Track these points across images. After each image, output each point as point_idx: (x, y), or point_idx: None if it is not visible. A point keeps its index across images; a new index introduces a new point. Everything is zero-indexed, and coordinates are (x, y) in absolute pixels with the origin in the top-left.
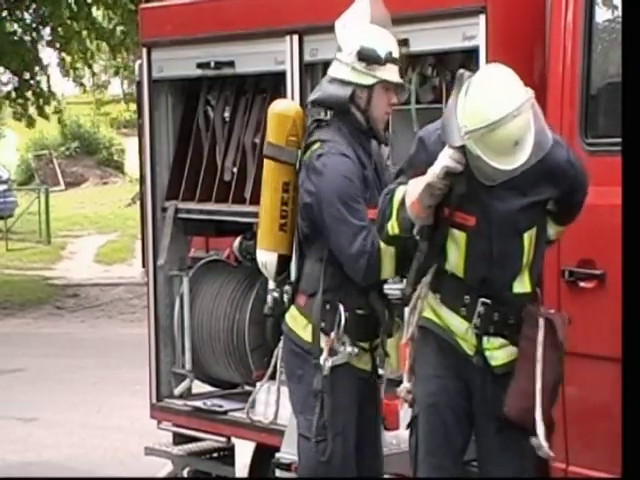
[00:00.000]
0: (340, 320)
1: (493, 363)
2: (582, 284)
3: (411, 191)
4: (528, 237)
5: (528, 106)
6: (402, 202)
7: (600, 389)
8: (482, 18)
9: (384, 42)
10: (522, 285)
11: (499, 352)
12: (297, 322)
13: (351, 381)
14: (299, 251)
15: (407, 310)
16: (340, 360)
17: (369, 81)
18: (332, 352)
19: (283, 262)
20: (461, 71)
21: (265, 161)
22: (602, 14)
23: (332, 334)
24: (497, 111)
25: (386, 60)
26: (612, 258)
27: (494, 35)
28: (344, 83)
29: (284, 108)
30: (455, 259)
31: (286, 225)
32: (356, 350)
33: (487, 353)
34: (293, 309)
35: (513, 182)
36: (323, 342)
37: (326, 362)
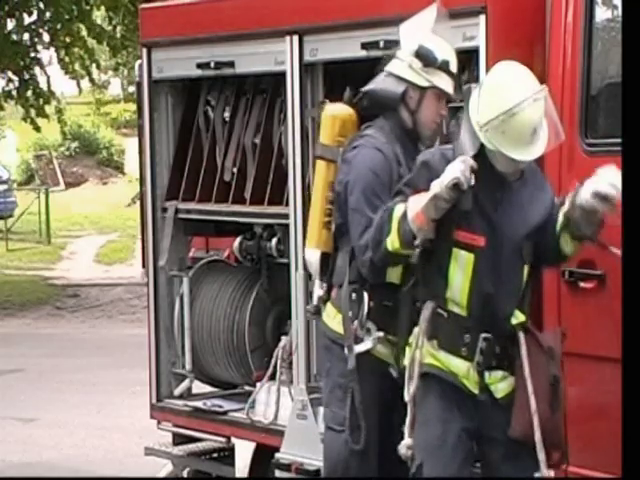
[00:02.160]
0: (363, 307)
1: (498, 396)
2: (582, 284)
3: (414, 204)
4: (527, 269)
5: (544, 94)
6: (403, 216)
7: (600, 389)
8: (482, 18)
9: (444, 50)
10: (516, 316)
11: (501, 384)
12: (329, 314)
13: (376, 374)
14: (334, 245)
15: (406, 364)
16: (365, 347)
17: (423, 83)
18: (357, 339)
19: (327, 261)
20: (467, 86)
21: (316, 162)
22: (602, 14)
23: (356, 322)
24: (516, 96)
25: (441, 65)
26: (612, 258)
27: (494, 35)
28: (399, 79)
29: (335, 111)
30: (459, 283)
31: (330, 223)
32: (380, 334)
33: (492, 388)
34: (328, 304)
35: (515, 196)
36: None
37: (352, 350)
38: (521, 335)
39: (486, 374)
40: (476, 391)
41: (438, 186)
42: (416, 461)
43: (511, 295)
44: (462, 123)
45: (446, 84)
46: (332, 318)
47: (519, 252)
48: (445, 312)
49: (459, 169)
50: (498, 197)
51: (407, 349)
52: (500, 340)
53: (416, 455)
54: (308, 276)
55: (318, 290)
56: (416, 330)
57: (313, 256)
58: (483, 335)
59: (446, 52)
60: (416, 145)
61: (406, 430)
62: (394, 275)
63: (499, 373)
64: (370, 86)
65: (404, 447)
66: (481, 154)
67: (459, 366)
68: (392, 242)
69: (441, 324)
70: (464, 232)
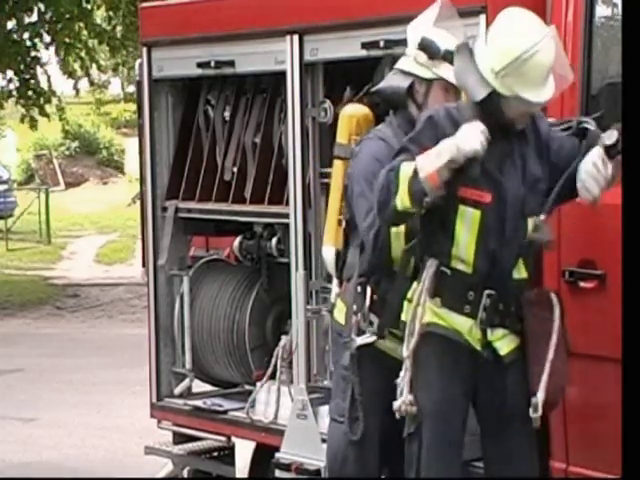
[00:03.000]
0: (366, 300)
1: (502, 353)
2: (582, 284)
3: (426, 164)
4: (529, 223)
5: (555, 33)
6: (413, 175)
7: (600, 389)
8: (482, 18)
9: (446, 40)
10: (519, 271)
11: (503, 342)
12: (339, 309)
13: (379, 366)
14: (344, 241)
15: (407, 320)
16: (367, 339)
17: (428, 75)
18: (359, 332)
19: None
20: (464, 41)
21: (334, 161)
22: (602, 14)
23: (359, 314)
24: (532, 35)
25: (445, 55)
26: (612, 258)
27: None
28: (405, 74)
29: (352, 110)
30: (466, 240)
31: None
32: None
33: (495, 345)
34: (338, 299)
35: (517, 152)
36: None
37: (353, 341)
38: (554, 296)
39: (488, 331)
40: (479, 348)
41: (456, 150)
42: (416, 418)
43: (515, 250)
44: (461, 77)
45: (452, 75)
46: (340, 312)
47: (522, 207)
48: (449, 270)
49: (479, 140)
50: (501, 154)
51: (406, 304)
52: (503, 297)
53: (418, 414)
54: (309, 275)
55: (335, 288)
56: (415, 286)
57: (329, 254)
58: (487, 292)
59: (449, 43)
60: None
61: (405, 387)
62: (398, 249)
63: (500, 331)
64: (379, 85)
65: (403, 404)
66: (487, 105)
67: (462, 324)
68: (402, 201)
69: (444, 282)
70: (470, 189)
